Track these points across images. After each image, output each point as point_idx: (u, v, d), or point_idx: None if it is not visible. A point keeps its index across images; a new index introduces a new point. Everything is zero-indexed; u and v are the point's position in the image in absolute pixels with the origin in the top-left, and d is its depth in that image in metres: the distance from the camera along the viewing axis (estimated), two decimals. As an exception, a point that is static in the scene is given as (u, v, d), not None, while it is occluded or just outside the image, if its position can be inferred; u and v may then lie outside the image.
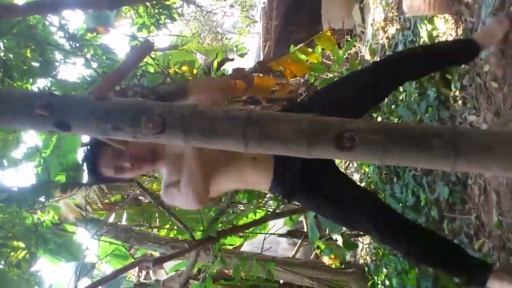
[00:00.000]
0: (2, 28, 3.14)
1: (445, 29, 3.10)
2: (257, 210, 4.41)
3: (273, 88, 5.07)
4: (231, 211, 4.50)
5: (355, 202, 1.85)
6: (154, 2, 4.18)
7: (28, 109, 1.22)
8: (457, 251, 1.87)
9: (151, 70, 4.33)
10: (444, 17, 3.10)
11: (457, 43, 2.36)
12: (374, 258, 4.16)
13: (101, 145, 1.76)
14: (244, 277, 3.92)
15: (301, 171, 1.86)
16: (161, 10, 4.32)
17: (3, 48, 3.14)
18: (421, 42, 3.44)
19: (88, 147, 1.84)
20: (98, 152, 1.80)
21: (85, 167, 1.85)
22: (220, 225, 3.84)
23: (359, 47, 6.87)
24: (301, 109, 1.91)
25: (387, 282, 3.62)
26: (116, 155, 1.78)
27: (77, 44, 3.53)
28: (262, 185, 1.98)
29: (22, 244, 3.39)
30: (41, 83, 3.48)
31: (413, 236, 1.84)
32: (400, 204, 3.27)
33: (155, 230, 5.02)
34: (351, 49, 6.79)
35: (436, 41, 3.18)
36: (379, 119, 4.05)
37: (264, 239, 4.62)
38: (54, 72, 3.36)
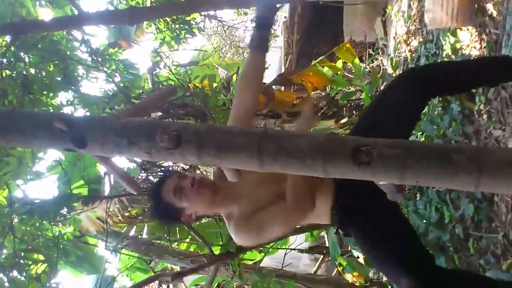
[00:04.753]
0: (28, 43, 3.21)
1: (468, 41, 3.04)
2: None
3: (294, 102, 5.05)
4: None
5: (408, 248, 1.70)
6: (174, 17, 4.22)
7: (47, 126, 1.23)
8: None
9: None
10: (468, 29, 3.04)
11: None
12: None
13: (170, 174, 1.87)
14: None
15: (364, 194, 1.74)
16: (181, 25, 4.36)
17: (27, 63, 3.21)
18: (444, 55, 3.37)
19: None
20: (165, 177, 1.85)
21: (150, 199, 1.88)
22: (240, 240, 3.79)
23: (381, 60, 6.80)
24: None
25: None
26: (180, 176, 1.80)
27: (99, 59, 3.59)
28: (322, 214, 1.84)
29: (42, 257, 3.41)
30: (63, 98, 3.54)
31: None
32: (424, 221, 3.18)
33: (175, 244, 5.00)
34: (373, 62, 6.74)
35: (460, 54, 3.11)
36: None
37: (285, 254, 4.54)
38: (76, 87, 3.42)
